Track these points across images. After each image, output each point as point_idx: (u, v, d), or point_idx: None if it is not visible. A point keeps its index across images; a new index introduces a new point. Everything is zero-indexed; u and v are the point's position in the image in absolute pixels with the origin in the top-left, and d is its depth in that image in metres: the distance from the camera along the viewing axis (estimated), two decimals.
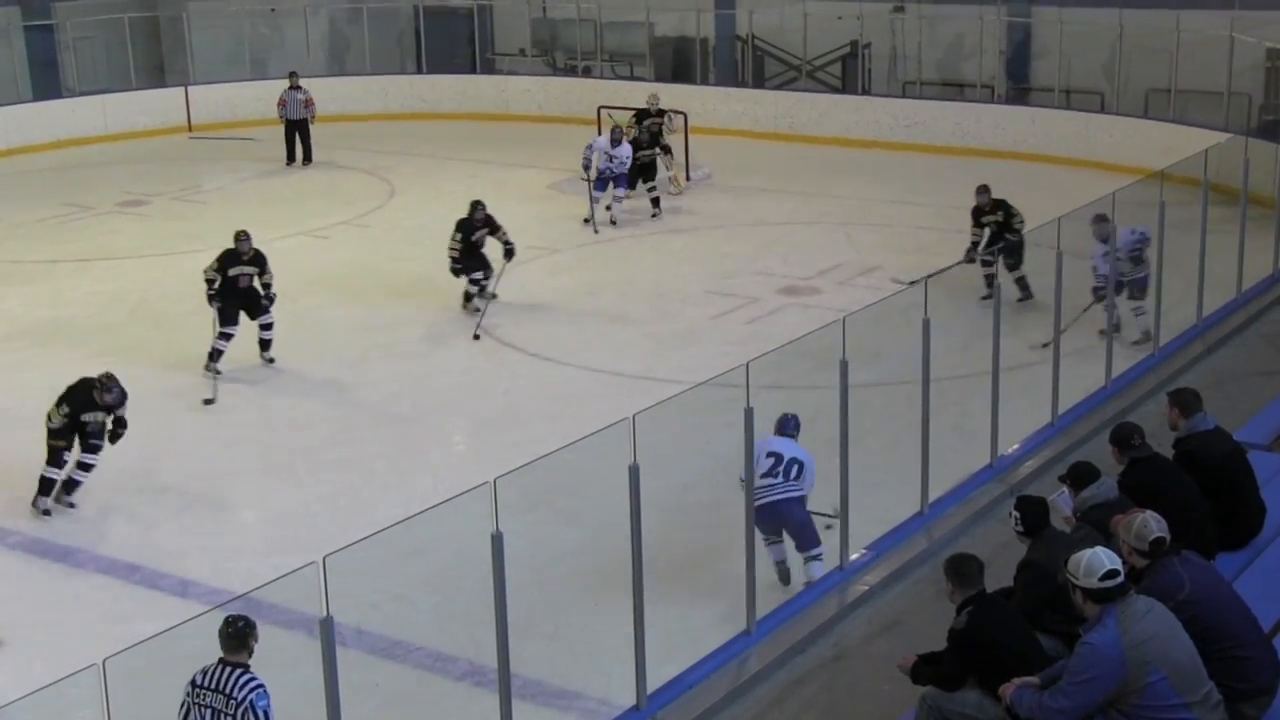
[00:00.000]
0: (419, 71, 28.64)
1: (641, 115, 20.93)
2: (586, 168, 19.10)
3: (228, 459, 11.98)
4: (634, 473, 7.26)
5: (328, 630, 5.89)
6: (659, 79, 27.03)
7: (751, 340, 13.61)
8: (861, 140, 24.26)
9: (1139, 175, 18.29)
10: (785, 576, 9.31)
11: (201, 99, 26.77)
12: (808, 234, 18.75)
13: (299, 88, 23.48)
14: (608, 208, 19.01)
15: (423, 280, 16.77)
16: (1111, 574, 5.97)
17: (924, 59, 25.74)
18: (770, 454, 9.25)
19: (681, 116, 21.65)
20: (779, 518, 9.18)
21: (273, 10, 29.58)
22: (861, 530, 9.46)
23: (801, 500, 9.20)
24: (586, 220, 18.80)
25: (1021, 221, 15.12)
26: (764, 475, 9.10)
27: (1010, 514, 7.40)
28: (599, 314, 15.55)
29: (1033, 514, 7.30)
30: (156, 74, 28.45)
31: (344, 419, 12.71)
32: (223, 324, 13.68)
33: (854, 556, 9.33)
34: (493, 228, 15.25)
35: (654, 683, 7.76)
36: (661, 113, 21.08)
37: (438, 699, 8.44)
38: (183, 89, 26.89)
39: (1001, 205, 15.38)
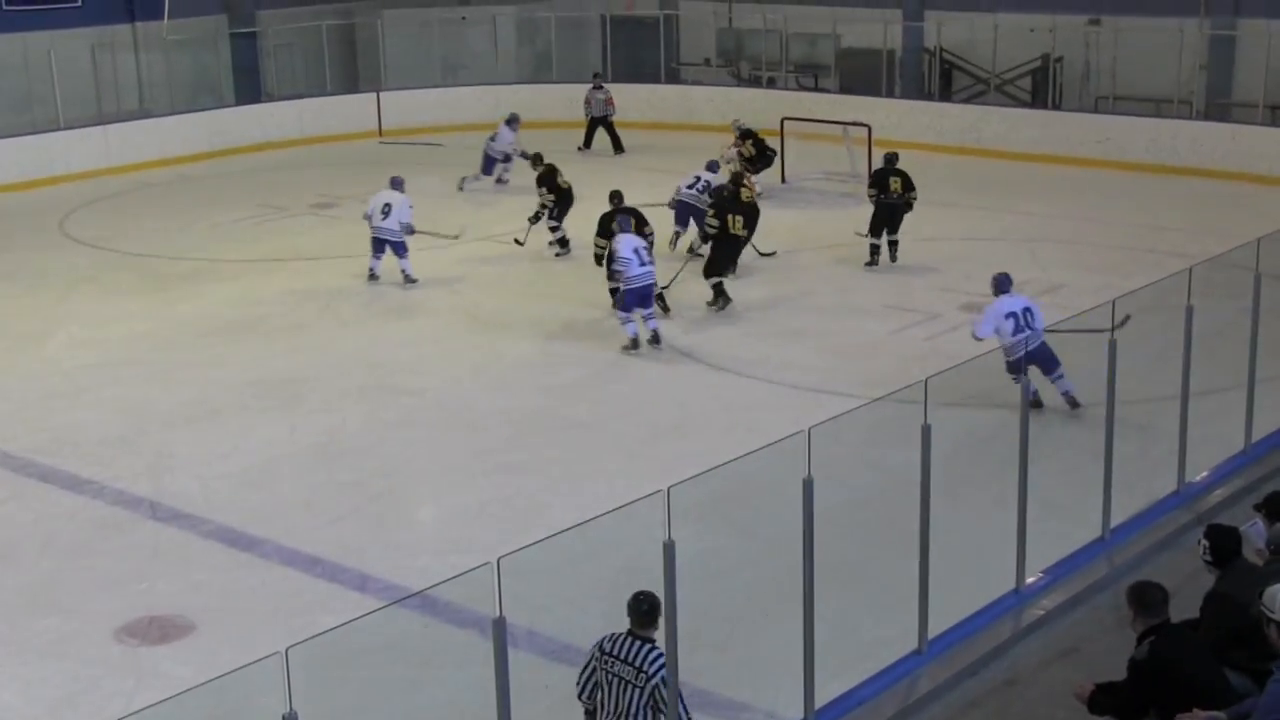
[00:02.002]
0: (606, 80, 28.88)
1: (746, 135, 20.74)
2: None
3: (408, 457, 12.23)
4: (808, 486, 7.21)
5: (500, 631, 5.96)
6: (844, 90, 26.87)
7: (931, 356, 13.43)
8: (1050, 155, 23.76)
9: None
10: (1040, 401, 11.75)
11: (392, 104, 27.45)
12: (991, 250, 18.42)
13: (601, 87, 25.62)
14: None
15: (602, 287, 16.88)
16: None
17: (1119, 73, 25.10)
18: (1008, 315, 12.13)
19: (865, 129, 21.50)
20: (1032, 360, 11.59)
21: (463, 19, 30.17)
22: (1040, 554, 9.26)
23: (1044, 341, 12.00)
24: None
25: None
26: (1014, 335, 11.98)
27: (1199, 543, 7.17)
28: (777, 326, 15.50)
29: (1223, 544, 7.07)
30: (351, 80, 29.26)
31: (521, 422, 12.87)
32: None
33: (1030, 580, 9.13)
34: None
35: (822, 698, 7.70)
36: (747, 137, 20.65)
37: None
38: (374, 95, 27.61)
39: None
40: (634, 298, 14.48)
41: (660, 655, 6.55)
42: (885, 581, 9.29)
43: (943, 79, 27.36)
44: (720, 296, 15.90)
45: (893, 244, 17.63)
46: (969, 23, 26.28)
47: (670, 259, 17.28)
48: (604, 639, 6.68)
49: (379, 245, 17.08)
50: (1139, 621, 6.60)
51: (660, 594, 6.67)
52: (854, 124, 21.96)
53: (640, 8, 30.16)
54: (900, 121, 24.85)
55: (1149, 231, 19.03)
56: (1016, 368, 11.94)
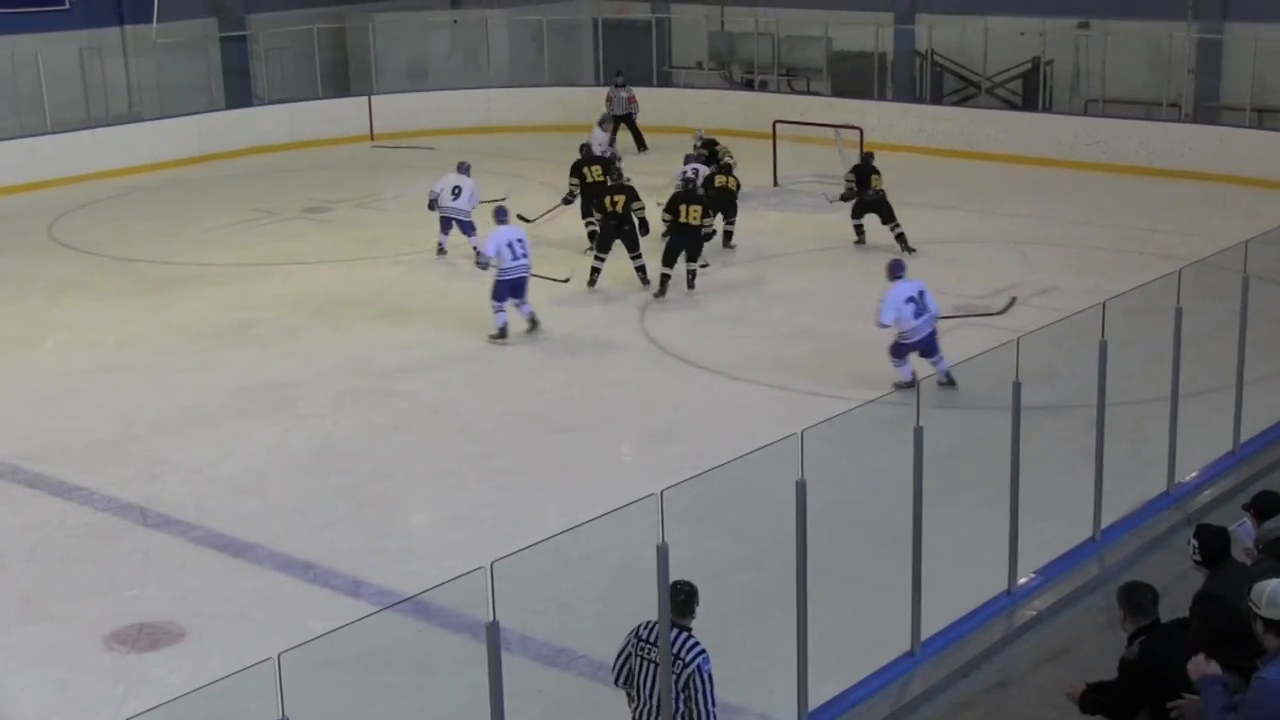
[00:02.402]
0: (597, 83, 28.92)
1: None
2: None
3: (400, 462, 12.22)
4: (801, 488, 7.22)
5: (494, 635, 5.96)
6: (836, 94, 26.90)
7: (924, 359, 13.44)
8: (1041, 158, 23.80)
9: None
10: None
11: (384, 109, 27.43)
12: (983, 252, 18.47)
13: (624, 85, 26.10)
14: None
15: (595, 290, 16.90)
16: None
17: (1108, 76, 25.16)
18: (908, 299, 12.76)
19: (857, 131, 21.53)
20: (931, 343, 12.93)
21: (455, 22, 30.17)
22: (1031, 555, 9.28)
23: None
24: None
25: None
26: (915, 318, 12.76)
27: (1189, 543, 7.18)
28: (770, 328, 15.52)
29: (1213, 544, 7.08)
30: (342, 84, 29.25)
31: (514, 426, 12.87)
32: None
33: (1022, 581, 9.16)
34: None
35: (816, 699, 7.71)
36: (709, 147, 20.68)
37: (600, 708, 8.48)
38: (366, 99, 27.60)
39: None
40: (506, 289, 14.95)
41: (697, 644, 6.66)
42: (878, 583, 9.30)
43: (934, 82, 27.40)
44: (663, 286, 16.54)
45: (900, 236, 18.19)
46: (960, 26, 26.32)
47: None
48: (640, 626, 6.77)
49: (447, 224, 18.25)
50: (1129, 622, 6.61)
51: (654, 596, 6.67)
52: (846, 127, 21.98)
53: (632, 11, 30.18)
54: (892, 124, 24.90)
55: (1139, 234, 19.07)
56: (900, 352, 13.08)
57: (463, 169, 18.36)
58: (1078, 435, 10.83)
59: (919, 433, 8.08)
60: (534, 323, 15.20)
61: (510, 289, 14.94)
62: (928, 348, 13.07)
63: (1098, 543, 9.72)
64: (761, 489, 8.67)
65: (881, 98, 26.71)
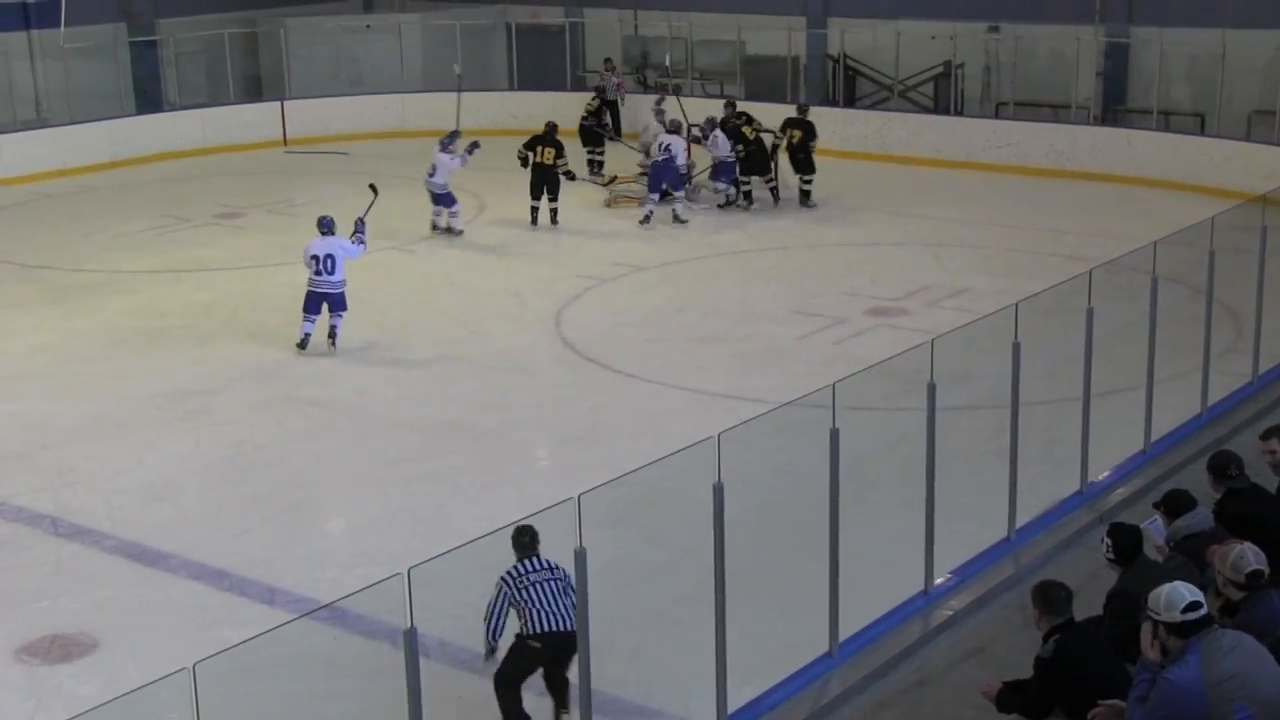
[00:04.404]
0: (510, 88, 28.84)
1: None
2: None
3: (315, 468, 12.12)
4: (718, 492, 7.24)
5: (411, 641, 5.93)
6: (750, 97, 26.99)
7: (838, 361, 13.55)
8: (953, 161, 24.05)
9: (1240, 199, 18.02)
10: (305, 344, 14.56)
11: (297, 113, 27.17)
12: (896, 254, 18.65)
13: (613, 70, 26.96)
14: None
15: (510, 295, 16.88)
16: (1193, 606, 5.76)
17: (1018, 79, 25.49)
18: (312, 257, 14.36)
19: (770, 135, 21.63)
20: (322, 301, 14.44)
21: (368, 26, 29.97)
22: (947, 555, 9.37)
23: (341, 291, 14.48)
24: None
25: None
26: (314, 275, 14.37)
27: (1102, 541, 7.29)
28: (685, 332, 15.56)
29: (1125, 542, 7.19)
30: (254, 89, 28.93)
31: (430, 432, 12.81)
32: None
33: (939, 581, 9.23)
34: None
35: (734, 703, 7.73)
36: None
37: None
38: (279, 103, 27.32)
39: None
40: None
41: (553, 561, 7.71)
42: (796, 585, 9.35)
43: (847, 86, 27.60)
44: (533, 216, 19.94)
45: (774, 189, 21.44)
46: (871, 30, 26.54)
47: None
48: (507, 573, 7.68)
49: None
50: (1044, 620, 6.69)
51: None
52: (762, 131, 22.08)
53: (545, 15, 30.13)
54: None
55: (1050, 235, 19.34)
56: (308, 301, 14.50)
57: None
58: (991, 436, 10.96)
59: (835, 435, 8.13)
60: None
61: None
62: (335, 303, 14.52)
63: (1012, 542, 9.82)
64: (678, 492, 8.69)
65: (795, 101, 26.81)
